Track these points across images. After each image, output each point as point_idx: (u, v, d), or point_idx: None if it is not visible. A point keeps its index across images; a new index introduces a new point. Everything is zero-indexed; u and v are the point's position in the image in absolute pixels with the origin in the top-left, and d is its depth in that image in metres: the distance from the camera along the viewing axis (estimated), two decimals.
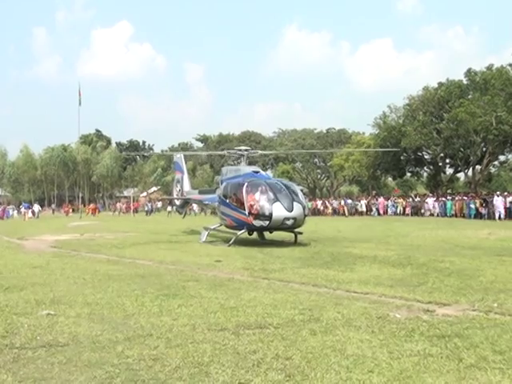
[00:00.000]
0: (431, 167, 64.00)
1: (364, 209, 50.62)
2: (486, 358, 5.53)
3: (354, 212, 50.66)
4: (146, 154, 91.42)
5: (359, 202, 52.68)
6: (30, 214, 59.85)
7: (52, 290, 10.00)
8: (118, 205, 69.06)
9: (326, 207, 52.99)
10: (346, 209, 50.74)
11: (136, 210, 64.71)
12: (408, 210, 47.34)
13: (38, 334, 6.75)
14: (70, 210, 66.98)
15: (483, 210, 38.26)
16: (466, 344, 6.03)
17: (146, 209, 65.10)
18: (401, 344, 6.09)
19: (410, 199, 50.06)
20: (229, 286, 10.25)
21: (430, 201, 45.99)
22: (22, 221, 49.95)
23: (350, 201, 53.92)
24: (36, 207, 62.72)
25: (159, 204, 67.93)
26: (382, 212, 49.41)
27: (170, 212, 54.49)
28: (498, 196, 37.87)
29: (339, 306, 8.18)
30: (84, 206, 71.27)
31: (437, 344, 6.07)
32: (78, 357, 5.78)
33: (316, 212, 51.61)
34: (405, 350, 5.83)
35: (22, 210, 58.49)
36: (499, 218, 35.93)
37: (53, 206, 77.80)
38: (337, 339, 6.32)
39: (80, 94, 59.23)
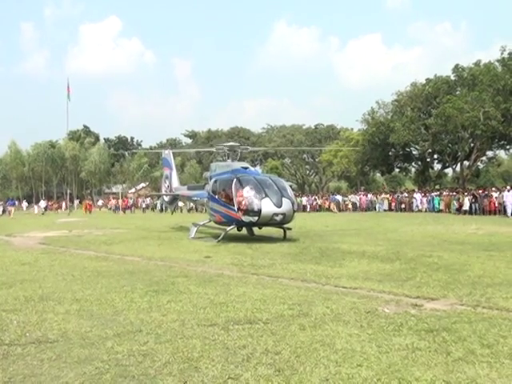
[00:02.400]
0: (419, 163, 64.23)
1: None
2: (474, 352, 5.58)
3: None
4: (134, 151, 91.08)
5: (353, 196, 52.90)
6: (36, 211, 59.18)
7: (41, 286, 9.98)
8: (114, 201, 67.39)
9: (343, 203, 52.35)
10: (333, 205, 50.88)
11: (127, 208, 63.11)
12: (393, 206, 47.61)
13: (27, 330, 6.74)
14: (63, 206, 66.09)
15: (465, 206, 38.35)
16: (454, 338, 6.08)
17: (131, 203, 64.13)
18: (389, 338, 6.13)
19: (397, 195, 50.22)
20: (218, 282, 10.26)
21: (418, 196, 46.17)
22: (8, 218, 49.29)
23: (338, 197, 54.09)
24: (42, 203, 61.81)
25: (148, 200, 67.13)
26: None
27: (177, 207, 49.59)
28: (508, 191, 35.81)
29: (328, 301, 8.21)
30: (72, 202, 70.78)
31: (425, 338, 6.11)
32: (68, 353, 5.78)
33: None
34: (393, 344, 5.87)
35: (8, 207, 57.62)
36: None
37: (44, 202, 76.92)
38: (326, 334, 6.35)
39: (68, 90, 58.86)
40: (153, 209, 62.86)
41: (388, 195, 50.89)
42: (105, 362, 5.47)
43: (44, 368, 5.34)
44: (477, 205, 37.83)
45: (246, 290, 9.31)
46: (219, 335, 6.36)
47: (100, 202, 74.62)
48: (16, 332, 6.67)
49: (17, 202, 66.02)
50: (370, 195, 52.50)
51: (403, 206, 46.73)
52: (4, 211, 56.25)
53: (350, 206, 50.57)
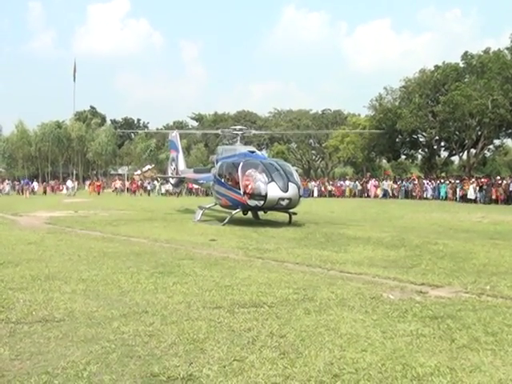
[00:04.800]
0: (426, 150, 64.05)
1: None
2: (478, 339, 5.59)
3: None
4: (140, 132, 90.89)
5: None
6: (64, 191, 58.43)
7: (47, 265, 10.02)
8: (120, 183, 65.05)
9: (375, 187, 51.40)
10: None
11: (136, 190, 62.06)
12: (396, 192, 47.53)
13: (33, 309, 6.77)
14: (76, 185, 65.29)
15: (470, 194, 38.18)
16: (459, 325, 6.08)
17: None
18: (394, 324, 6.14)
19: (401, 182, 50.13)
20: (223, 265, 10.29)
21: (424, 183, 46.08)
22: (22, 198, 49.13)
23: (348, 182, 54.16)
24: (70, 183, 59.27)
25: (155, 182, 66.19)
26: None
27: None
28: None
29: (333, 285, 8.23)
30: (78, 183, 70.57)
31: (429, 325, 6.12)
32: (74, 332, 5.81)
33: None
34: (398, 330, 5.88)
35: (22, 186, 57.08)
36: None
37: (52, 182, 75.06)
38: (331, 318, 6.36)
39: (75, 71, 58.77)
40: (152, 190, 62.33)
41: (392, 182, 50.78)
42: (111, 341, 5.50)
43: (51, 346, 5.37)
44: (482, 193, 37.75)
45: (251, 273, 9.34)
46: (224, 318, 6.39)
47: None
48: (22, 310, 6.70)
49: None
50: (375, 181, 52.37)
51: (414, 193, 46.37)
52: (22, 191, 55.72)
53: (378, 191, 50.00)
